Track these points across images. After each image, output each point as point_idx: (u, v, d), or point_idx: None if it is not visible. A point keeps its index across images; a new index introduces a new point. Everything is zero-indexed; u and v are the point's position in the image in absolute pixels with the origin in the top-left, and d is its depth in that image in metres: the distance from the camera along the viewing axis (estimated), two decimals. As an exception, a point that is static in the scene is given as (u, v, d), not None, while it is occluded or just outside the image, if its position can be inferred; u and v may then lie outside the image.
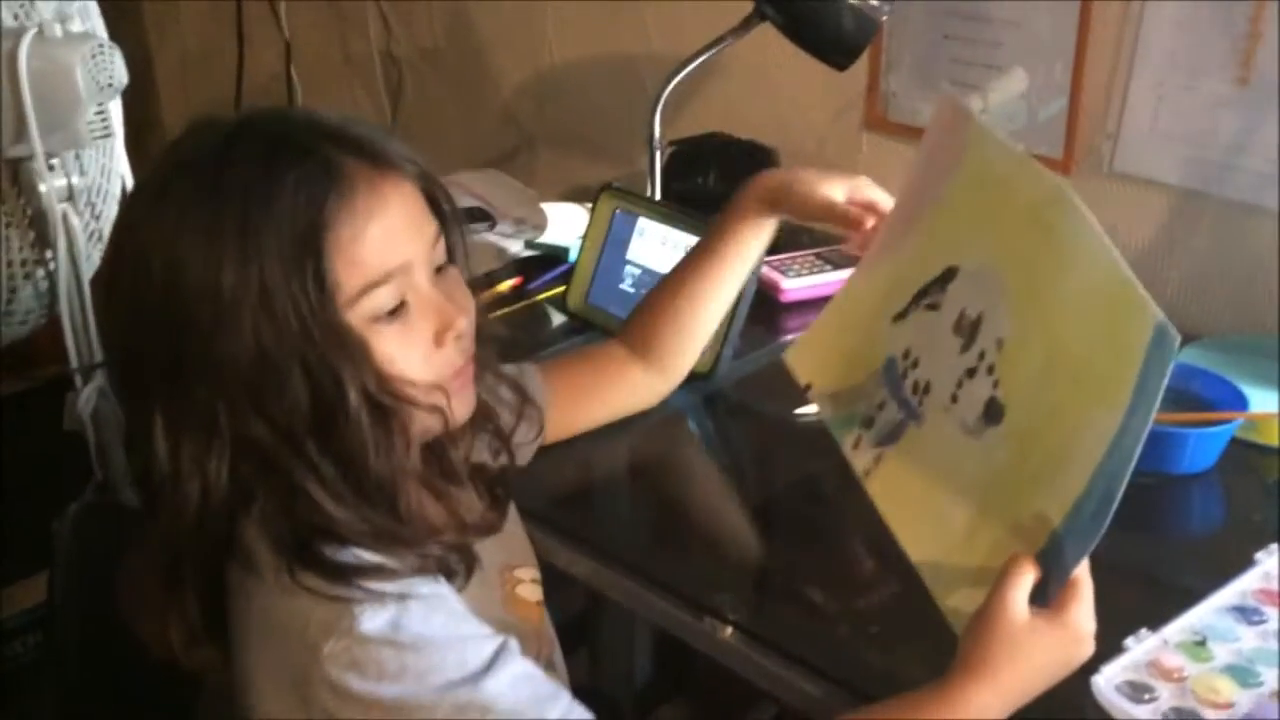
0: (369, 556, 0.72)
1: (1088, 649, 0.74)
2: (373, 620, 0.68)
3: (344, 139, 0.73)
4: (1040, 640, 0.72)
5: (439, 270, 0.77)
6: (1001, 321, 0.79)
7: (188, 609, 0.74)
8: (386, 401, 0.72)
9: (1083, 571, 0.73)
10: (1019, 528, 0.74)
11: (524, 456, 1.01)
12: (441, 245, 0.77)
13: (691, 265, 1.10)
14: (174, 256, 0.69)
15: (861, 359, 0.93)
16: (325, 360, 0.70)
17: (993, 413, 0.77)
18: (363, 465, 0.72)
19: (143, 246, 0.71)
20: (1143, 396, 0.66)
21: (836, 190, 1.02)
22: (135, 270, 0.71)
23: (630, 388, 1.11)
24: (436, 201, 0.78)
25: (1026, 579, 0.73)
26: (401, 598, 0.70)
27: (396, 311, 0.73)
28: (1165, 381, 0.66)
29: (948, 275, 0.85)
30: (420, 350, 0.75)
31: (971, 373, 0.80)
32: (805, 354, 1.02)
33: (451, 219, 0.79)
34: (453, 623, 0.72)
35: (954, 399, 0.81)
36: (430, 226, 0.76)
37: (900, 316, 0.90)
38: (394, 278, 0.73)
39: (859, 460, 0.91)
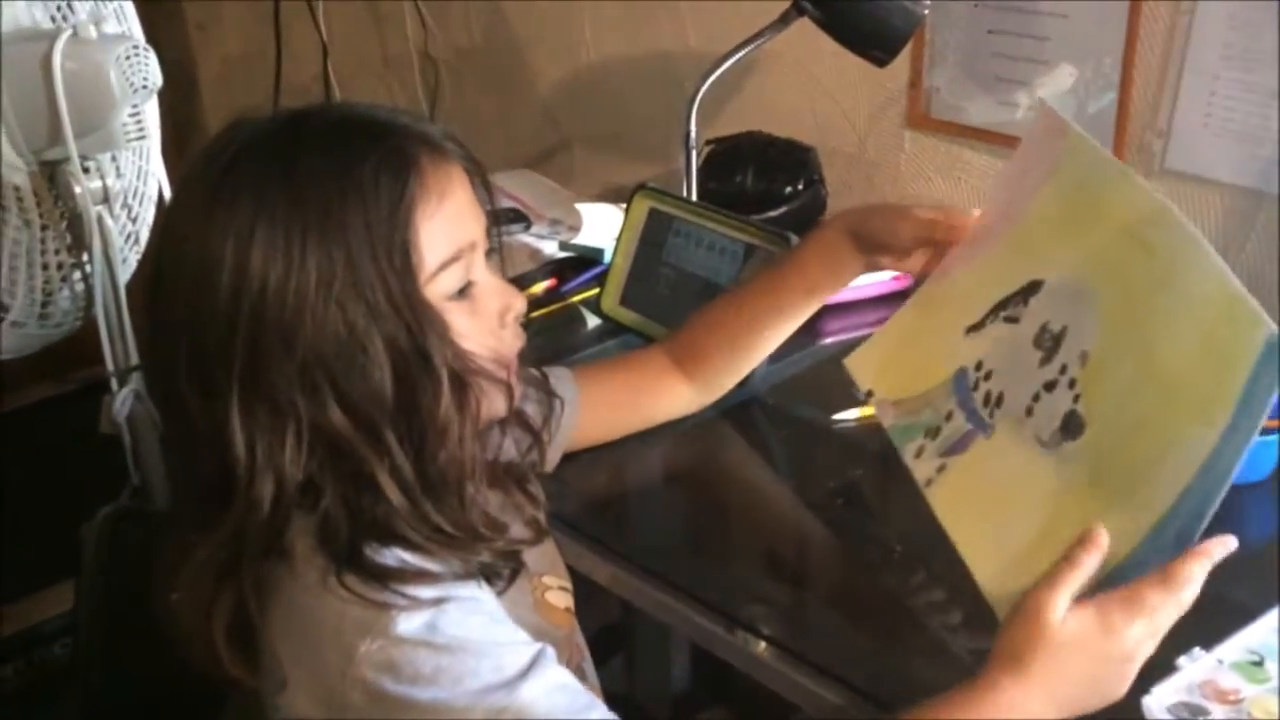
0: (413, 560, 0.71)
1: (1131, 655, 0.71)
2: (409, 621, 0.68)
3: (400, 127, 0.74)
4: (1076, 641, 0.70)
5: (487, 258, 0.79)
6: (1087, 335, 0.78)
7: (243, 601, 0.73)
8: (467, 376, 0.73)
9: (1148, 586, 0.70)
10: None
11: (550, 460, 1.00)
12: (486, 236, 0.79)
13: (758, 288, 1.08)
14: (248, 247, 0.68)
15: (929, 369, 0.92)
16: (412, 336, 0.71)
17: (1072, 426, 0.77)
18: (438, 450, 0.72)
19: (209, 240, 0.69)
20: (1246, 412, 0.66)
21: (923, 212, 0.96)
22: (202, 264, 0.69)
23: (669, 398, 1.10)
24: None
25: (1071, 579, 0.71)
26: (439, 601, 0.69)
27: (464, 291, 0.75)
28: (1273, 397, 0.65)
29: (1030, 288, 0.85)
30: (487, 329, 0.77)
31: (1051, 386, 0.80)
32: (868, 360, 1.01)
33: (490, 214, 0.80)
34: (490, 626, 0.71)
35: (1029, 412, 0.81)
36: (482, 213, 0.78)
37: (975, 328, 0.89)
38: (463, 256, 0.74)
39: (921, 469, 0.90)
